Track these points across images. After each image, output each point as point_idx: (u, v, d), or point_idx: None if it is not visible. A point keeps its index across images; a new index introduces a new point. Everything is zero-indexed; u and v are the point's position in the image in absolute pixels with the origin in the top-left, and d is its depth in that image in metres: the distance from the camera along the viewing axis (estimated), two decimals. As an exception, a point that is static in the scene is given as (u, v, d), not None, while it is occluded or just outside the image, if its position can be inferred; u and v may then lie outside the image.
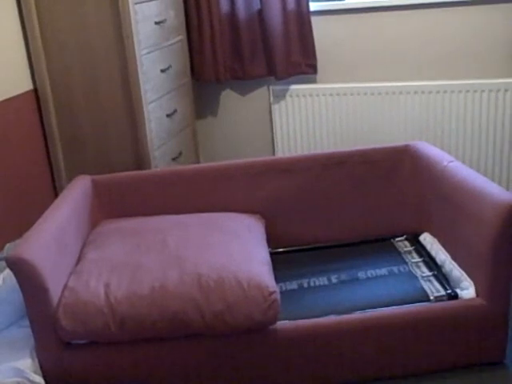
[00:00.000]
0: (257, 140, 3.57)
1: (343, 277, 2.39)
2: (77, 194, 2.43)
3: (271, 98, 3.43)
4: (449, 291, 2.17)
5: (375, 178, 2.65)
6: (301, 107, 3.39)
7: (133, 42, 2.66)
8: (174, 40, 3.11)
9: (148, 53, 2.80)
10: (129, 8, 2.62)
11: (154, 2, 2.86)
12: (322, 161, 2.65)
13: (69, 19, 2.69)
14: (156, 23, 2.87)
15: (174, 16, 3.10)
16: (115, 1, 2.61)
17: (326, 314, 2.11)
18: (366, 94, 3.28)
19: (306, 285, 2.37)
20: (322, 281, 2.38)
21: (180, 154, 3.16)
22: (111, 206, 2.60)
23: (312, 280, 2.39)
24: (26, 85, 2.77)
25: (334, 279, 2.38)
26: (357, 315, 2.09)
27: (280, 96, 3.40)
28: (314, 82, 3.41)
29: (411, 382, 2.10)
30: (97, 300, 1.98)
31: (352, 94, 3.30)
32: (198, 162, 3.43)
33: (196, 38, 3.32)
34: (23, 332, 2.20)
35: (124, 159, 2.83)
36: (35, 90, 2.81)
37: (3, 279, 2.33)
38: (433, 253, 2.42)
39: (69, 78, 2.77)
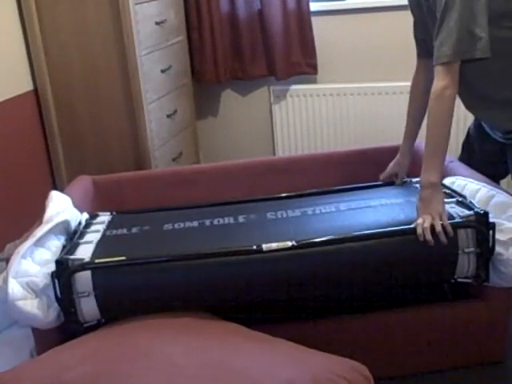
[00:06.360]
0: (257, 140, 3.57)
1: (354, 205, 2.16)
2: (77, 194, 2.43)
3: (271, 98, 3.43)
4: (476, 210, 1.91)
5: (375, 178, 2.64)
6: (301, 107, 3.39)
7: (133, 42, 2.66)
8: (175, 40, 3.11)
9: (148, 53, 2.80)
10: (129, 8, 2.62)
11: (154, 2, 2.86)
12: (322, 161, 2.64)
13: (69, 19, 2.69)
14: (156, 23, 2.87)
15: (174, 16, 3.10)
16: (115, 1, 2.61)
17: (325, 235, 1.90)
18: (366, 94, 3.28)
19: (310, 212, 2.16)
20: (328, 208, 2.18)
21: (180, 154, 3.15)
22: (111, 206, 2.60)
23: (318, 208, 2.18)
24: (26, 85, 2.77)
25: (342, 207, 2.16)
26: (357, 315, 2.08)
27: (280, 96, 3.40)
28: (314, 82, 3.41)
29: (411, 381, 2.10)
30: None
31: (352, 94, 3.30)
32: (198, 162, 3.44)
33: (196, 38, 3.32)
34: (23, 332, 2.21)
35: (124, 159, 2.83)
36: (35, 90, 2.81)
37: (3, 279, 2.33)
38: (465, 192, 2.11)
39: (69, 78, 2.77)
